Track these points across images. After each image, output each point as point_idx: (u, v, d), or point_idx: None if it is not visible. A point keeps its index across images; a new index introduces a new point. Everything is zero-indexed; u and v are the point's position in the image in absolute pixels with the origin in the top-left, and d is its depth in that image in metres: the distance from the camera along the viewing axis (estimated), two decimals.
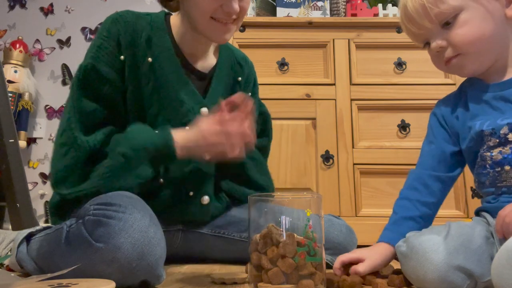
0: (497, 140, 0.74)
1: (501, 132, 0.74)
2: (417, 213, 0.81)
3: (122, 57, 0.95)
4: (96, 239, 0.70)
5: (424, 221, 0.82)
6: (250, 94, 1.16)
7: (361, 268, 0.76)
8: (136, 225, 0.71)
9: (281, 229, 0.64)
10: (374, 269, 0.78)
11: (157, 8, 1.20)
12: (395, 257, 0.79)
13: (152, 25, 0.99)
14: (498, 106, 0.77)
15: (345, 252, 0.96)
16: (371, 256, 0.78)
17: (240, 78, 1.13)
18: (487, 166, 0.77)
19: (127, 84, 0.96)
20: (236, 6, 0.92)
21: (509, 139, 0.73)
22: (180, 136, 0.88)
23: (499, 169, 0.75)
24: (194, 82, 1.03)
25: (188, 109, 0.99)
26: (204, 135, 0.87)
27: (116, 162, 0.86)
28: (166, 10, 1.05)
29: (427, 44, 0.83)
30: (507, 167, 0.74)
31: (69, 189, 0.86)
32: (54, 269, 0.70)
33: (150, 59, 0.97)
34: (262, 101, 1.80)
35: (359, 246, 1.59)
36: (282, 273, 0.63)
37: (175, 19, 1.04)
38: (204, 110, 1.01)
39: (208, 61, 1.08)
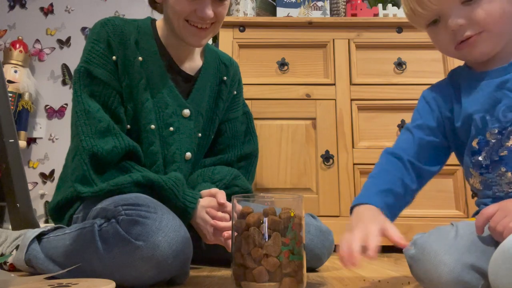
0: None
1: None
2: (401, 190, 0.80)
3: (114, 57, 0.97)
4: (135, 237, 0.73)
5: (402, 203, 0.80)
6: (235, 93, 1.19)
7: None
8: (171, 224, 0.76)
9: (263, 231, 0.66)
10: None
11: None
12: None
13: (139, 30, 1.03)
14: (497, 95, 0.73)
15: (311, 254, 0.95)
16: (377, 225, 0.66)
17: (225, 78, 1.15)
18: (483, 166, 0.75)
19: (122, 82, 0.98)
20: (209, 12, 0.95)
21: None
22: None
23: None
24: (179, 84, 1.06)
25: (172, 111, 1.02)
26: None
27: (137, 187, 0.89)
28: (152, 17, 1.09)
29: (432, 24, 0.76)
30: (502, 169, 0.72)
31: (85, 188, 0.89)
32: (86, 266, 0.76)
33: (140, 58, 1.00)
34: (262, 101, 1.79)
35: None
36: (266, 272, 0.65)
37: (161, 23, 1.07)
38: (186, 111, 1.04)
39: (194, 63, 1.11)
